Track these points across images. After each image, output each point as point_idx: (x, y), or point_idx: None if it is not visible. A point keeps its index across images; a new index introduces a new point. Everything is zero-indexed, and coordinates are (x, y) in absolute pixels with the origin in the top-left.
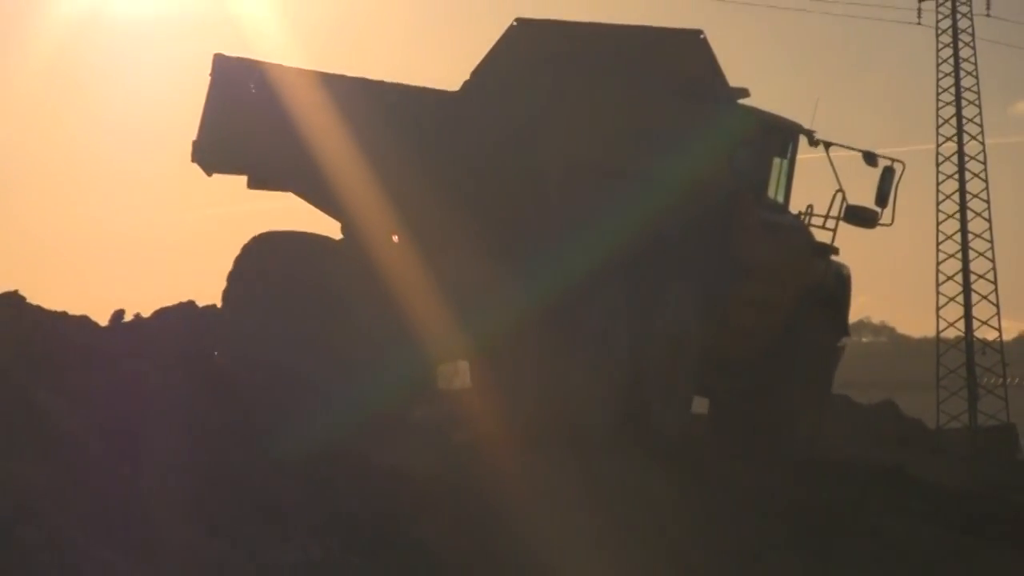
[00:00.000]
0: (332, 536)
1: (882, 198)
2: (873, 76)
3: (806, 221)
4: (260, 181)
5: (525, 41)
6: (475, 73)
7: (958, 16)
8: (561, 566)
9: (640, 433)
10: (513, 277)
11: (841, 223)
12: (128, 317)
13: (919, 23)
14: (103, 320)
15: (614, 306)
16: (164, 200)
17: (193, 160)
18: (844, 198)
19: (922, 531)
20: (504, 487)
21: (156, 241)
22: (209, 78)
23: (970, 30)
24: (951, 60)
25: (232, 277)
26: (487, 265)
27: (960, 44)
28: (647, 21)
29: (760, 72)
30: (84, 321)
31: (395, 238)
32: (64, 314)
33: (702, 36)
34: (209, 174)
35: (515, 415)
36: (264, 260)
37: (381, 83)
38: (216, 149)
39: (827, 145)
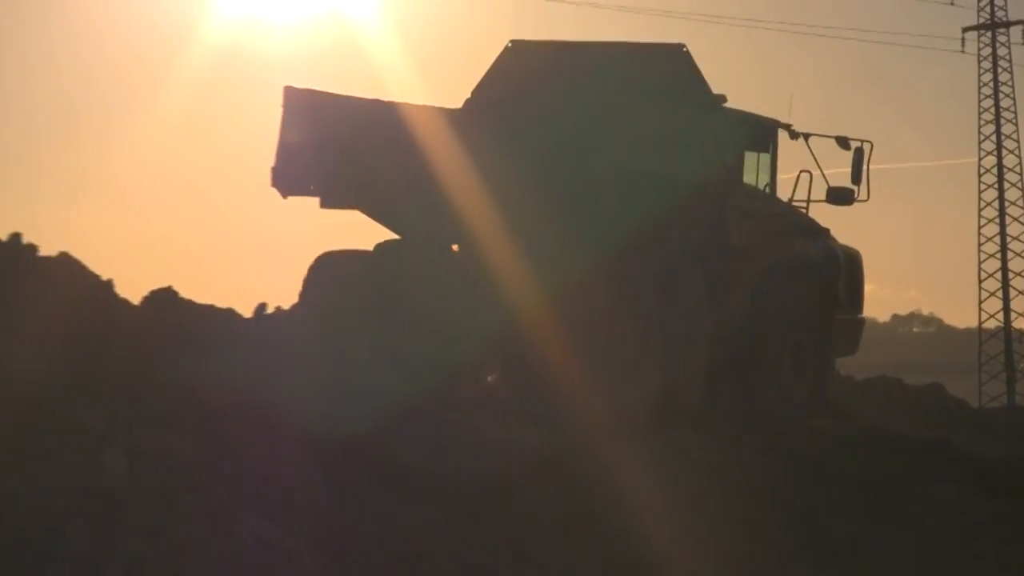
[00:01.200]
0: (448, 500)
1: (856, 176)
2: (922, 97)
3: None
4: (330, 201)
5: (520, 60)
6: (474, 92)
7: (997, 45)
8: (651, 527)
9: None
10: (565, 278)
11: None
12: (269, 310)
13: (963, 51)
14: (247, 312)
15: (650, 297)
16: (303, 204)
17: (272, 185)
18: (826, 181)
19: (966, 497)
20: (599, 457)
21: (295, 241)
22: (281, 109)
23: (1008, 57)
24: (991, 84)
25: (302, 293)
26: (541, 270)
27: (999, 69)
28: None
29: (823, 95)
30: (230, 313)
31: (455, 248)
32: (212, 307)
33: (684, 49)
34: (284, 197)
35: (607, 398)
36: (328, 275)
37: (432, 108)
38: (289, 174)
39: (806, 136)
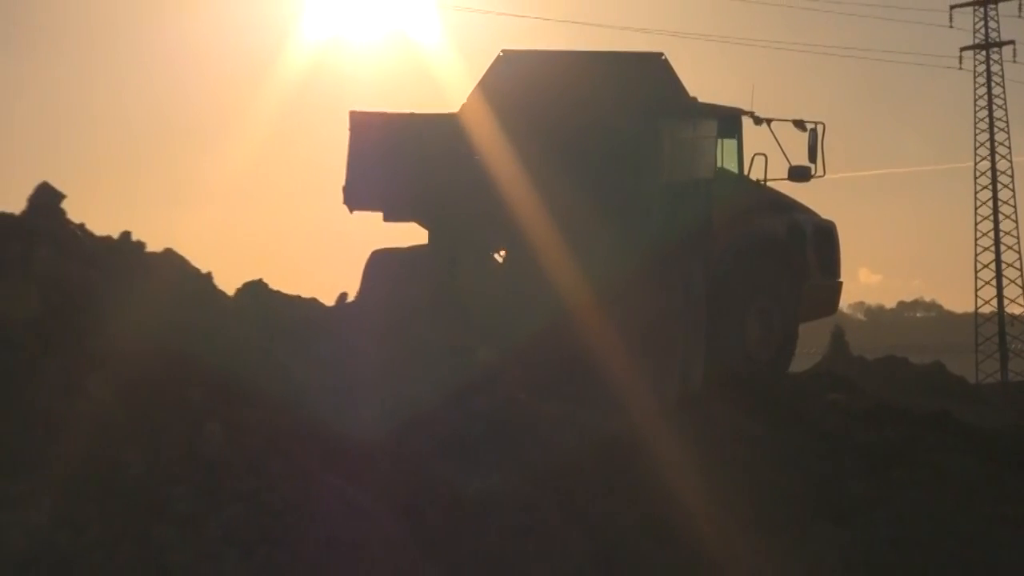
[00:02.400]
0: (510, 469)
1: (811, 154)
2: (924, 109)
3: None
4: (392, 215)
5: (511, 69)
6: (469, 98)
7: (991, 63)
8: (688, 488)
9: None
10: (613, 279)
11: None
12: (350, 299)
13: (960, 68)
14: (330, 301)
15: (696, 290)
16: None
17: (344, 202)
18: (788, 160)
19: (965, 463)
20: (644, 430)
21: (374, 238)
22: (348, 132)
23: (1000, 73)
24: (986, 97)
25: (360, 287)
26: (590, 272)
27: (993, 84)
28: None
29: (836, 110)
30: (314, 302)
31: (502, 254)
32: (298, 297)
33: (663, 58)
34: (351, 211)
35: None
36: (382, 271)
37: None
38: (356, 193)
39: (768, 121)
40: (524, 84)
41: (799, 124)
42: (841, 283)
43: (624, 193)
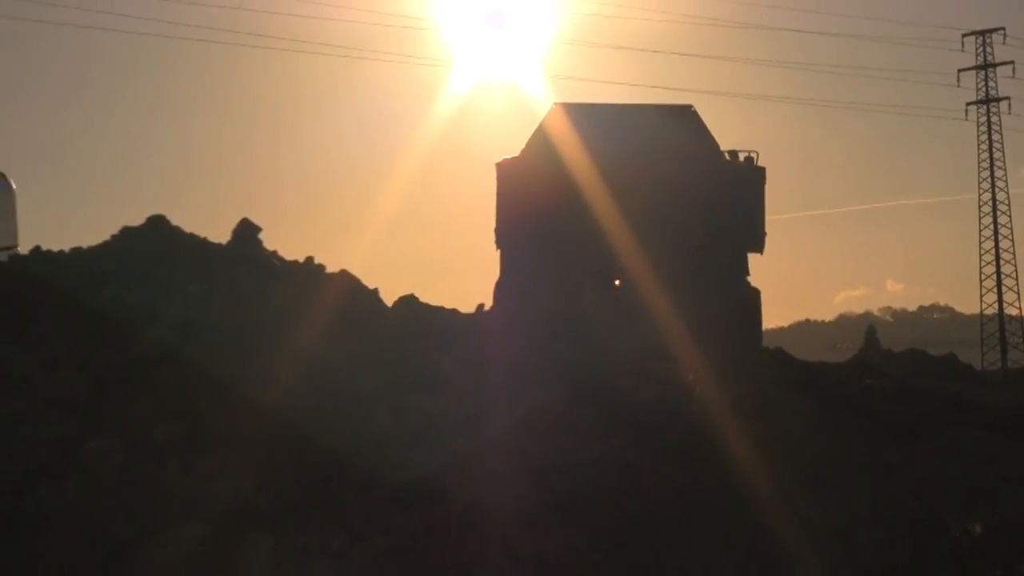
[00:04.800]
0: (619, 437)
1: None
2: (936, 153)
3: None
4: (529, 253)
5: (563, 119)
6: (526, 145)
7: (992, 115)
8: (754, 455)
9: None
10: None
11: None
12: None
13: (966, 119)
14: (467, 309)
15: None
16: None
17: (496, 243)
18: None
19: (975, 433)
20: (723, 411)
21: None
22: (495, 182)
23: (999, 123)
24: (987, 142)
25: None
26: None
27: (993, 131)
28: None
29: (861, 152)
30: (455, 312)
31: (617, 282)
32: (442, 307)
33: (692, 109)
34: (497, 249)
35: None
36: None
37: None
38: (504, 235)
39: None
40: (576, 131)
41: (732, 153)
42: None
43: (701, 252)
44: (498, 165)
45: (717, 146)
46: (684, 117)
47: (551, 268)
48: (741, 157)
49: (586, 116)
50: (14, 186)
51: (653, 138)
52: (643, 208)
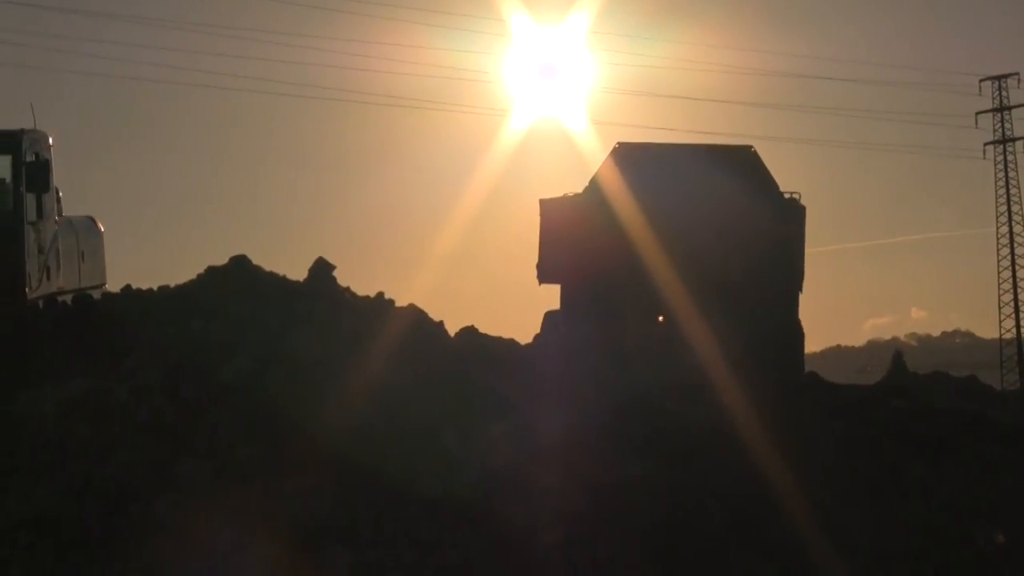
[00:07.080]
0: (666, 455)
1: None
2: (957, 190)
3: None
4: (571, 289)
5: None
6: (590, 183)
7: (1008, 154)
8: (790, 471)
9: None
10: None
11: None
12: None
13: (984, 158)
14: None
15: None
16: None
17: (538, 278)
18: None
19: (996, 450)
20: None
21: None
22: (539, 217)
23: (1015, 161)
24: (1004, 180)
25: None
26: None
27: (1009, 170)
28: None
29: (884, 190)
30: (512, 341)
31: (660, 318)
32: (499, 337)
33: (752, 149)
34: (540, 284)
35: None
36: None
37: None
38: (545, 269)
39: None
40: (636, 171)
41: None
42: None
43: (757, 291)
44: (542, 202)
45: (776, 186)
46: (744, 157)
47: (600, 301)
48: (786, 197)
49: (646, 154)
50: (102, 228)
51: (713, 177)
52: (702, 246)
